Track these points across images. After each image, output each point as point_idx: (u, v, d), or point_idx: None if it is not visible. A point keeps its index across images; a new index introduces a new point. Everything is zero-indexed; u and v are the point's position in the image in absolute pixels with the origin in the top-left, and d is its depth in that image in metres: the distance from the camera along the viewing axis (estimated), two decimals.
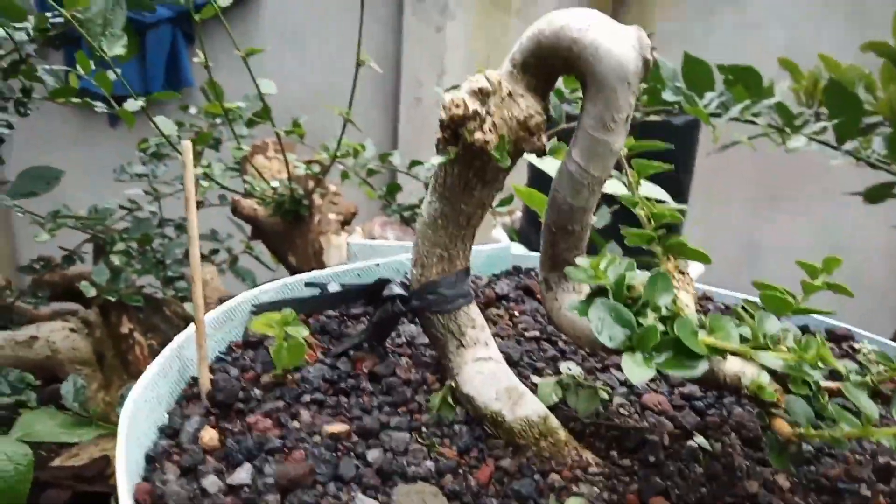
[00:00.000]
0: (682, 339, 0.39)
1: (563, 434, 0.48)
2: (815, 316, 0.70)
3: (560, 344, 0.62)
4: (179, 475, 0.41)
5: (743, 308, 0.52)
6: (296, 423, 0.46)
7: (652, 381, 0.57)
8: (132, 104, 1.03)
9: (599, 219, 1.13)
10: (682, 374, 0.39)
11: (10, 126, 1.14)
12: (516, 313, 0.68)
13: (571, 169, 0.47)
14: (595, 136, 0.45)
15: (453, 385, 0.50)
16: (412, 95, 2.45)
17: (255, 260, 1.51)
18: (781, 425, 0.40)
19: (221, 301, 1.37)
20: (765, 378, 0.42)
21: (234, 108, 1.21)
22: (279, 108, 1.28)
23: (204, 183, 1.17)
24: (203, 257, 1.42)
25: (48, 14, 1.01)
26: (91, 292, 1.13)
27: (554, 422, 0.48)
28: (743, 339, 0.43)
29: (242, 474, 0.41)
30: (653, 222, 0.51)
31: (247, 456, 0.42)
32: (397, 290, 0.53)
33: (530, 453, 0.47)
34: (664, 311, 0.42)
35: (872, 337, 0.66)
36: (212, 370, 0.50)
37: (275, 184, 1.23)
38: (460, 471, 0.45)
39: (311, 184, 1.24)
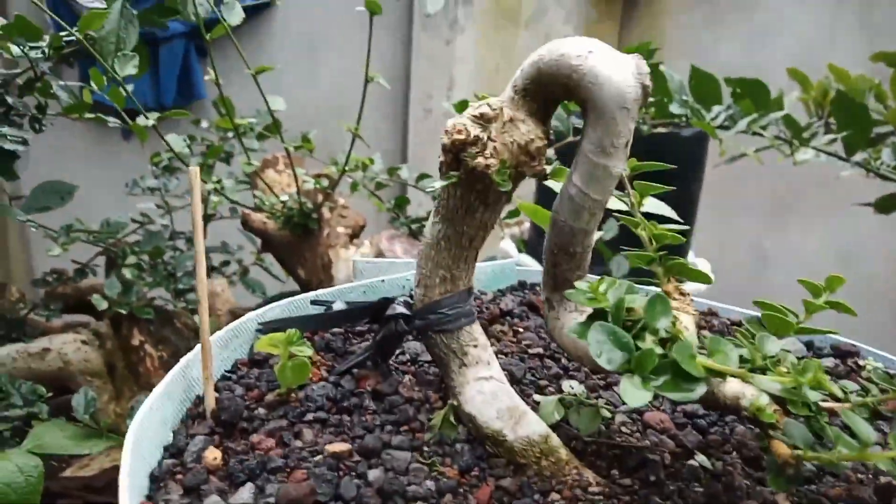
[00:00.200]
0: (680, 362, 0.39)
1: (564, 453, 0.48)
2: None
3: (563, 361, 0.62)
4: (182, 494, 0.41)
5: (745, 328, 0.52)
6: (298, 443, 0.47)
7: (654, 398, 0.58)
8: (143, 120, 1.05)
9: (607, 231, 1.13)
10: (680, 397, 0.39)
11: (25, 142, 1.16)
12: (521, 329, 0.68)
13: (572, 192, 0.47)
14: (595, 161, 0.46)
15: (455, 404, 0.51)
16: (422, 108, 2.47)
17: (264, 271, 1.53)
18: (779, 447, 0.40)
19: (232, 312, 1.38)
20: (764, 399, 0.42)
21: (245, 123, 1.22)
22: (293, 121, 1.29)
23: (214, 198, 1.18)
24: (214, 269, 1.43)
25: (62, 34, 1.03)
26: (103, 305, 1.14)
27: (555, 441, 0.49)
28: (743, 361, 0.43)
29: (245, 494, 0.41)
30: (654, 243, 0.52)
31: (249, 475, 0.43)
32: (400, 309, 0.54)
33: (531, 472, 0.47)
34: (663, 334, 0.42)
35: (879, 353, 0.66)
36: (217, 388, 0.51)
37: (284, 198, 1.24)
38: (461, 490, 0.45)
39: (320, 197, 1.25)
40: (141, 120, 1.05)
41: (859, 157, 1.21)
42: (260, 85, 1.08)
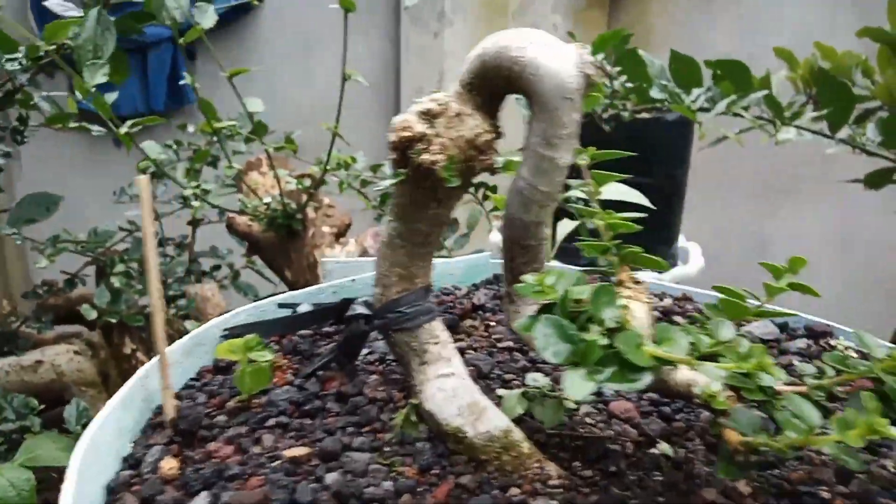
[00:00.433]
0: (625, 352, 0.39)
1: (526, 447, 0.48)
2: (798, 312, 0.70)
3: (531, 354, 0.62)
4: None
5: (704, 313, 0.52)
6: (257, 449, 0.47)
7: None
8: (124, 127, 1.05)
9: None
10: (626, 387, 0.39)
11: (7, 155, 1.16)
12: (492, 323, 0.68)
13: (521, 185, 0.47)
14: (541, 153, 0.46)
15: (416, 402, 0.51)
16: (412, 102, 2.46)
17: (256, 274, 1.53)
18: (730, 434, 0.40)
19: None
20: (715, 386, 0.42)
21: (227, 127, 1.22)
22: (281, 122, 1.29)
23: (194, 203, 1.18)
24: (204, 273, 1.43)
25: (39, 43, 1.03)
26: (91, 315, 1.15)
27: (517, 435, 0.49)
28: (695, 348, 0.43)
29: (199, 503, 0.41)
30: (609, 232, 0.51)
31: (204, 484, 0.43)
32: (360, 309, 0.54)
33: (492, 468, 0.47)
34: (611, 324, 0.42)
35: (851, 331, 0.65)
36: (180, 397, 0.51)
37: (267, 199, 1.24)
38: (419, 490, 0.45)
39: (304, 198, 1.25)
40: (122, 128, 1.06)
41: (844, 133, 1.20)
42: (244, 87, 1.08)
